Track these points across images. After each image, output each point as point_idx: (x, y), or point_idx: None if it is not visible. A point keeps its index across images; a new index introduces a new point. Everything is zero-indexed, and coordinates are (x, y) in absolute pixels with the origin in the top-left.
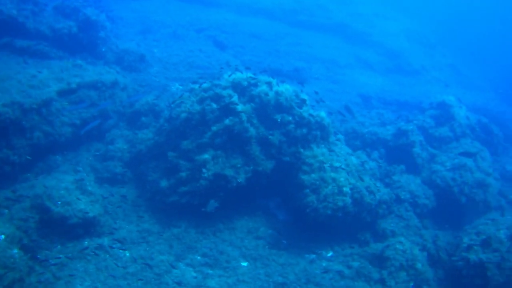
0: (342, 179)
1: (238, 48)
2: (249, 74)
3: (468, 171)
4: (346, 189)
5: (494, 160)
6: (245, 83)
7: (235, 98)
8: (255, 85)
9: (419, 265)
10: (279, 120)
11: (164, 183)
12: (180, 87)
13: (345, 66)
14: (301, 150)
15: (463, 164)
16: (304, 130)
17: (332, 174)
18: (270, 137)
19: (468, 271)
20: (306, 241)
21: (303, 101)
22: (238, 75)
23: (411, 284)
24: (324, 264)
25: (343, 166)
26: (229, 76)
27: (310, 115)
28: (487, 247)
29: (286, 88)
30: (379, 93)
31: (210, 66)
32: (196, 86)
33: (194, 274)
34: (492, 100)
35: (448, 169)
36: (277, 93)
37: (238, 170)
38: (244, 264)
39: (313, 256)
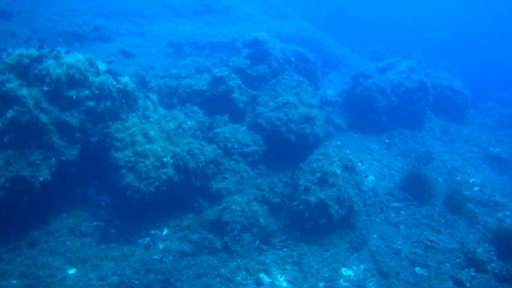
0: (159, 149)
1: (26, 15)
2: (31, 50)
3: (292, 107)
4: (166, 160)
5: (316, 87)
6: (27, 61)
7: (14, 82)
8: (40, 61)
9: (261, 220)
10: (74, 97)
11: None
12: None
13: (151, 15)
14: (110, 124)
15: (286, 101)
16: (108, 102)
17: (148, 146)
18: (67, 119)
19: (311, 213)
20: (137, 223)
21: (100, 69)
22: (17, 52)
23: (257, 242)
24: (161, 246)
25: (158, 134)
26: (7, 55)
27: (109, 83)
28: (324, 184)
29: (77, 58)
30: (190, 38)
31: None
32: None
33: None
34: (305, 28)
35: (272, 109)
36: (67, 66)
37: (38, 167)
38: (72, 271)
39: (148, 239)
